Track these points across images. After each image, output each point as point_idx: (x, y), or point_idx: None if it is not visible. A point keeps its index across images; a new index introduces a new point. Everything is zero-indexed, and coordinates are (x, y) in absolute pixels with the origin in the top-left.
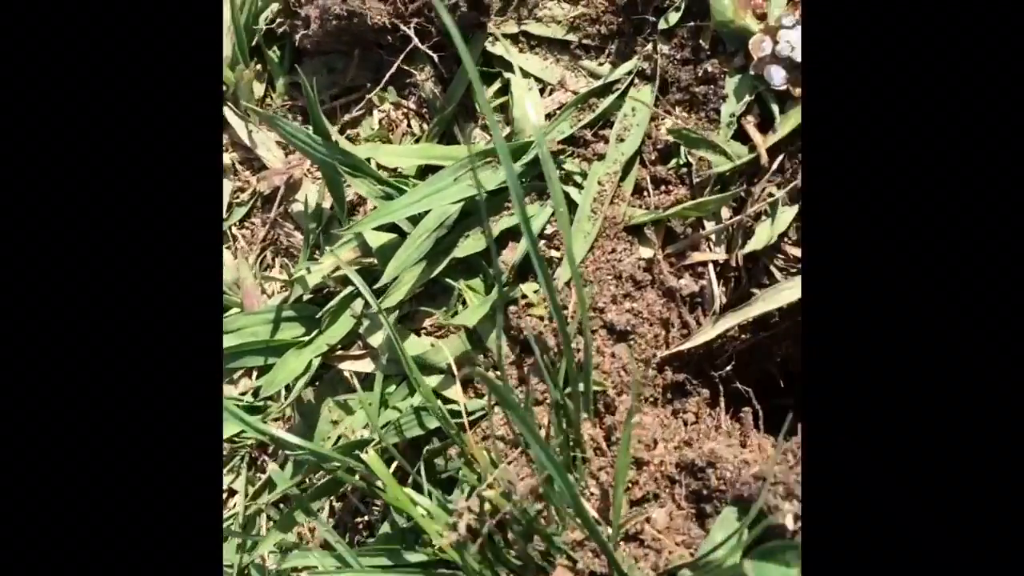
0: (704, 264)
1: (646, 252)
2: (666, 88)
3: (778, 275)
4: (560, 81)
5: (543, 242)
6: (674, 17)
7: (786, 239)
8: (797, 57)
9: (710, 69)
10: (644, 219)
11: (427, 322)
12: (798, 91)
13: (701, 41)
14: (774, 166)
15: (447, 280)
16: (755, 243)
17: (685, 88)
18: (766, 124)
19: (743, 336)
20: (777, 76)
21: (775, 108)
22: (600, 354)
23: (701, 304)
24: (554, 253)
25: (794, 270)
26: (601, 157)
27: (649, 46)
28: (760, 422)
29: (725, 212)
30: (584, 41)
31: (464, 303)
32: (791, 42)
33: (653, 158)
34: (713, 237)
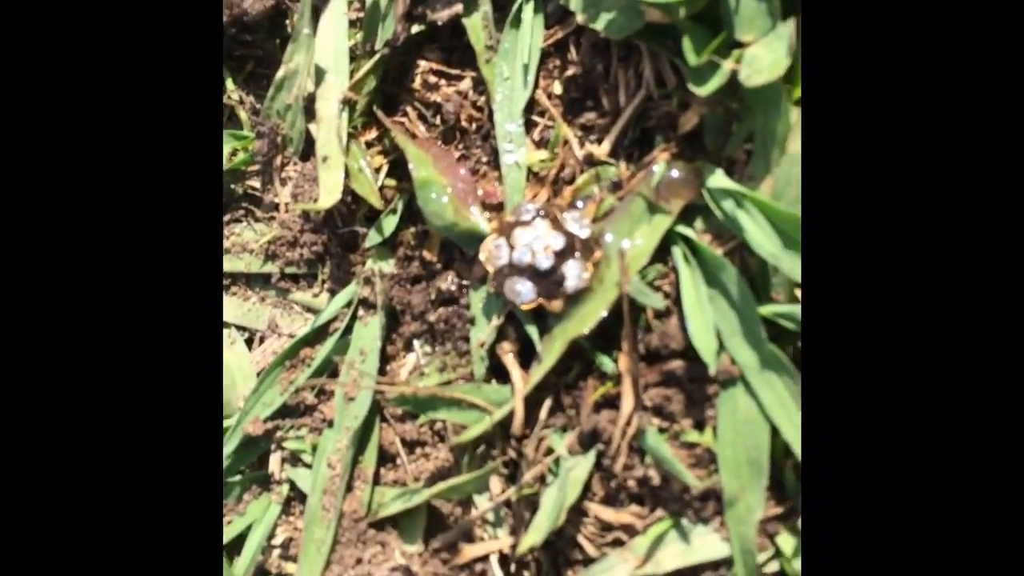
0: (484, 559)
1: (405, 550)
2: (397, 317)
3: (590, 549)
4: (270, 325)
5: (277, 551)
6: (390, 224)
7: (590, 496)
8: (543, 263)
9: (444, 287)
10: (398, 509)
11: None
12: (556, 304)
13: (427, 252)
14: (544, 410)
15: None
16: (543, 519)
17: (420, 316)
18: (530, 349)
19: None
20: (524, 291)
21: (532, 331)
22: None
23: None
24: (291, 567)
25: (608, 539)
26: (330, 424)
27: (369, 264)
28: None
29: (496, 484)
30: (288, 270)
31: None
32: (531, 246)
33: (399, 413)
34: (490, 517)
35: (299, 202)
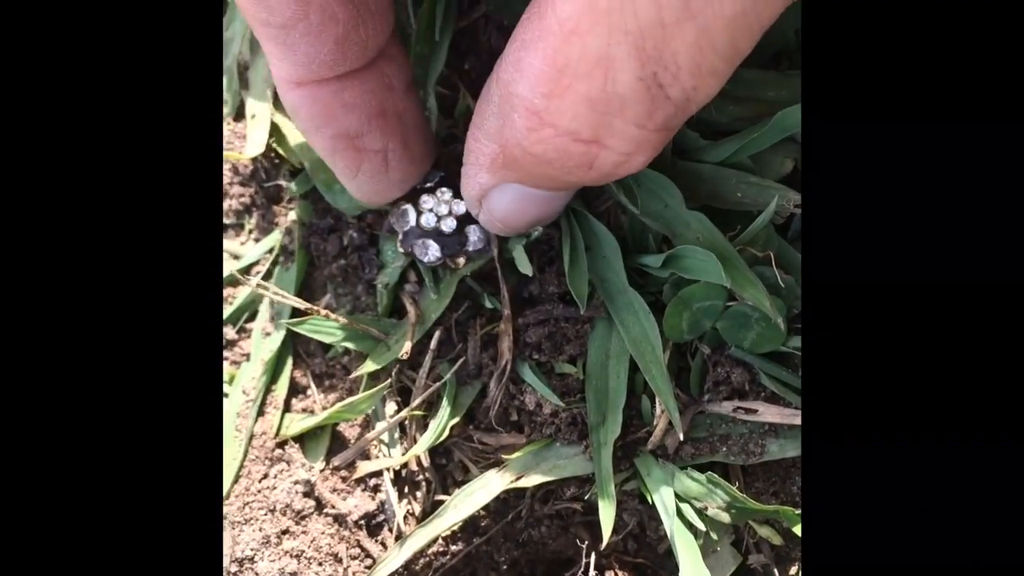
0: (378, 474)
1: (306, 472)
2: (314, 263)
3: (473, 470)
4: None
5: None
6: (308, 181)
7: (476, 424)
8: (446, 227)
9: (355, 235)
10: (301, 428)
11: None
12: (459, 261)
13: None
14: (434, 341)
15: None
16: (429, 434)
17: (333, 261)
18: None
19: (451, 548)
20: (430, 252)
21: (428, 281)
22: None
23: (386, 523)
24: None
25: (490, 459)
26: (248, 357)
27: (291, 215)
28: None
29: (391, 408)
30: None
31: None
32: (436, 211)
33: (310, 348)
34: (386, 438)
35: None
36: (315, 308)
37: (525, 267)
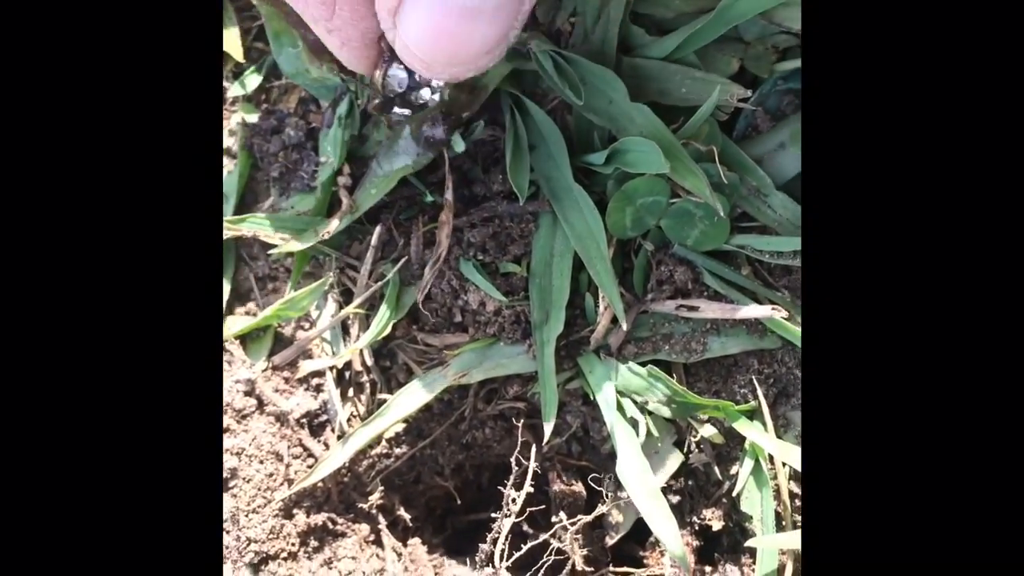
0: (320, 374)
1: (248, 371)
2: (257, 165)
3: (418, 371)
4: None
5: None
6: (253, 80)
7: (420, 327)
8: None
9: (295, 133)
10: (242, 328)
11: None
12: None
13: (286, 105)
14: (374, 237)
15: None
16: (371, 330)
17: (274, 156)
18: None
19: (395, 451)
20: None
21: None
22: None
23: (329, 423)
24: None
25: (434, 360)
26: None
27: (234, 117)
28: (442, 551)
29: (332, 307)
30: None
31: None
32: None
33: (253, 252)
34: (328, 336)
35: None
36: (249, 217)
37: (459, 145)
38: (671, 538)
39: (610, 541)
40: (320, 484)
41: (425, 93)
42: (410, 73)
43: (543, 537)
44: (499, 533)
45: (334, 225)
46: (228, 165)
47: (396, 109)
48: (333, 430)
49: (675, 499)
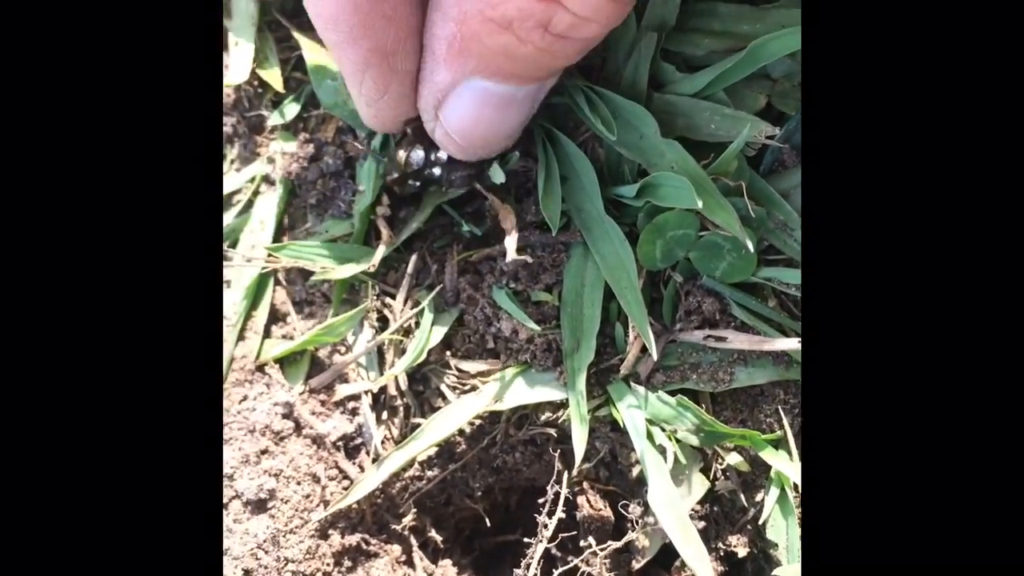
0: (356, 397)
1: (286, 394)
2: (295, 192)
3: (451, 396)
4: None
5: None
6: (292, 109)
7: (453, 352)
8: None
9: (332, 162)
10: (281, 352)
11: None
12: (435, 172)
13: (322, 134)
14: (410, 265)
15: None
16: (406, 357)
17: (312, 188)
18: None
19: (428, 473)
20: (415, 157)
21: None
22: (228, 534)
23: (364, 446)
24: None
25: (467, 386)
26: (229, 283)
27: (273, 145)
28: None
29: (369, 333)
30: None
31: None
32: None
33: (291, 276)
34: (364, 362)
35: None
36: (290, 244)
37: (499, 176)
38: (701, 564)
39: (637, 565)
40: (355, 505)
41: (436, 171)
42: (426, 153)
43: (573, 562)
44: (532, 559)
45: (378, 257)
46: (268, 192)
47: (410, 182)
48: (368, 453)
49: (701, 524)
